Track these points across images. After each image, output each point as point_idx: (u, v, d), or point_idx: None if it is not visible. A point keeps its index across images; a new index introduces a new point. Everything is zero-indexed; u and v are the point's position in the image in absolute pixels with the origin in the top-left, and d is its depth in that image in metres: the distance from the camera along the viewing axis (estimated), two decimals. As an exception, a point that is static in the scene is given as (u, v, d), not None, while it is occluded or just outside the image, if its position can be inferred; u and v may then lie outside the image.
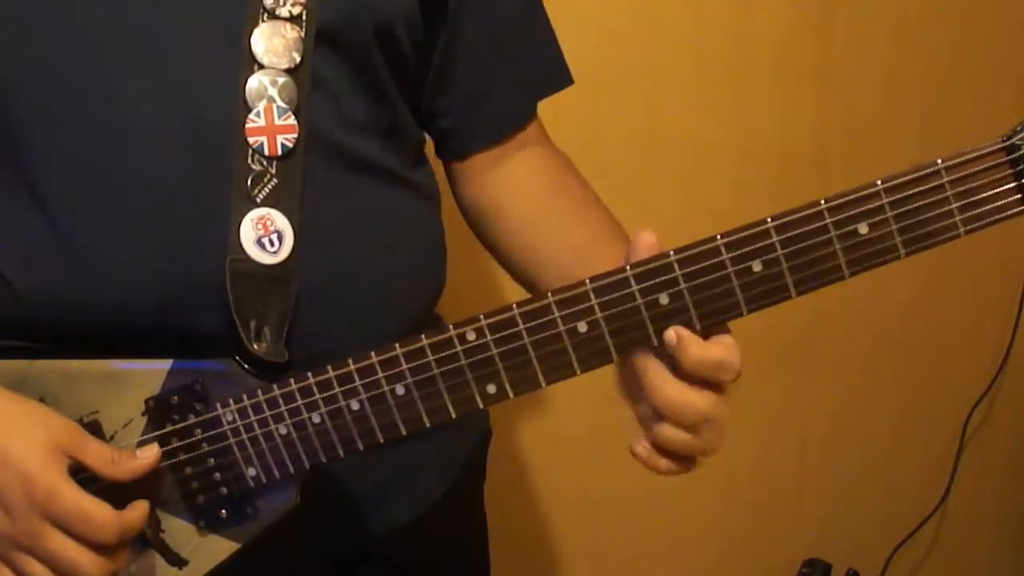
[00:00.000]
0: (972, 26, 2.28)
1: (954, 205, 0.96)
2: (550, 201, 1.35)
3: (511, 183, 1.36)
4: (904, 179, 0.96)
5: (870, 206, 0.97)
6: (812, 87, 2.20)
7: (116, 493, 1.12)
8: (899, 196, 0.97)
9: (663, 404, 1.04)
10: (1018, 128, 0.95)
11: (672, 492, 2.32)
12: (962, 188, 0.96)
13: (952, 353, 2.45)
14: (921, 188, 0.96)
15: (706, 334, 1.04)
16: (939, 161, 0.96)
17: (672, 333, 1.02)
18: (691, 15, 2.08)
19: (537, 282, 1.31)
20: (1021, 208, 0.96)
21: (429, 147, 1.40)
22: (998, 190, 0.95)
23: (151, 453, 1.13)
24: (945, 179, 0.96)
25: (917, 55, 2.26)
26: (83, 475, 1.11)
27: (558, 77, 1.43)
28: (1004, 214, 0.96)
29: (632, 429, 2.20)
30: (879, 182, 0.97)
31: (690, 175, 2.14)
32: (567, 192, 1.35)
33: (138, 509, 1.12)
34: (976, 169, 0.95)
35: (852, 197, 0.97)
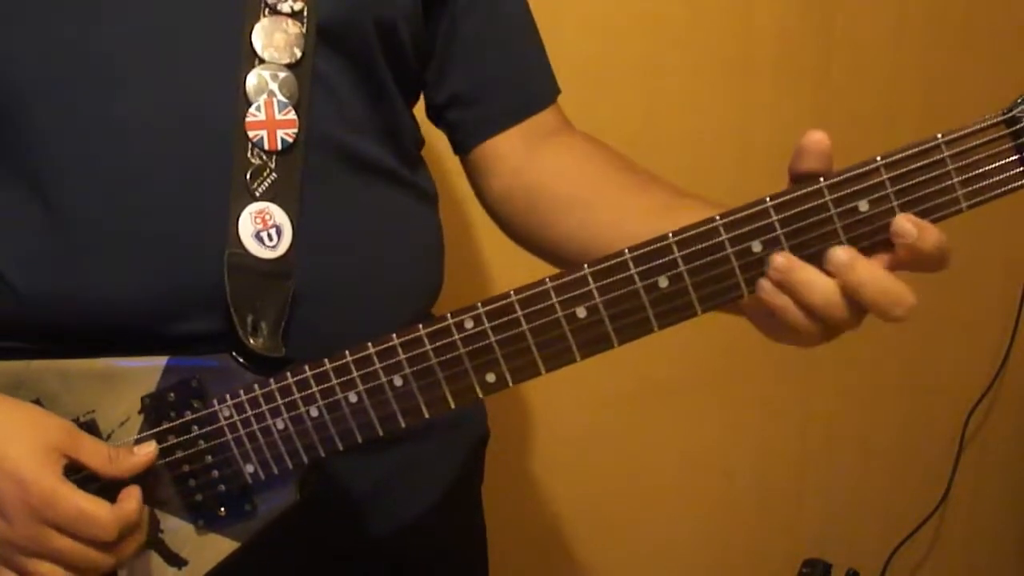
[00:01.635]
0: (972, 26, 2.28)
1: (955, 180, 0.95)
2: (617, 174, 1.31)
3: (557, 167, 1.33)
4: (904, 154, 0.95)
5: (870, 182, 0.96)
6: (812, 86, 2.20)
7: (114, 489, 1.12)
8: (899, 172, 0.96)
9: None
10: (1018, 101, 0.94)
11: (671, 492, 2.32)
12: (963, 162, 0.95)
13: (952, 353, 2.45)
14: (921, 163, 0.95)
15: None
16: (939, 135, 0.95)
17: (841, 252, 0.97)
18: (691, 15, 2.08)
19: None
20: (1023, 182, 0.95)
21: (428, 151, 1.40)
22: (999, 163, 0.94)
23: (149, 449, 1.14)
24: (945, 153, 0.95)
25: (917, 55, 2.26)
26: (81, 474, 1.11)
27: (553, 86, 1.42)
28: (1005, 187, 0.95)
29: (629, 430, 2.20)
30: (879, 158, 0.96)
31: (690, 175, 2.13)
32: (630, 167, 1.32)
33: (130, 499, 1.12)
34: (976, 143, 0.95)
35: (852, 174, 0.96)
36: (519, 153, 1.35)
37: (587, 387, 2.07)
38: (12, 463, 1.08)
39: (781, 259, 0.98)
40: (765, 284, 0.99)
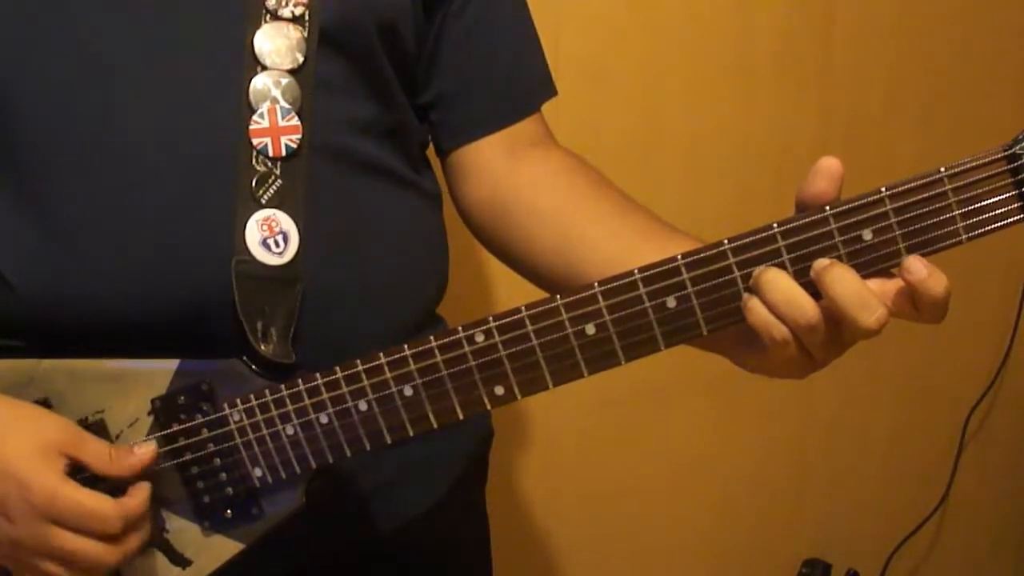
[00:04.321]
0: (972, 26, 2.28)
1: (956, 212, 0.97)
2: (598, 193, 1.31)
3: (538, 180, 1.33)
4: (908, 186, 0.97)
5: (874, 212, 0.98)
6: (812, 87, 2.20)
7: (122, 489, 1.13)
8: (903, 203, 0.98)
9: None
10: (1019, 137, 0.96)
11: (672, 492, 2.32)
12: (964, 196, 0.97)
13: (952, 353, 2.45)
14: (924, 195, 0.97)
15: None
16: (942, 169, 0.97)
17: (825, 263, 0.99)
18: (691, 15, 2.07)
19: (581, 274, 1.23)
20: (1021, 216, 0.97)
21: (430, 150, 1.40)
22: (999, 198, 0.97)
23: (147, 448, 1.14)
24: (948, 187, 0.97)
25: (917, 55, 2.26)
26: (85, 475, 1.11)
27: (549, 85, 1.42)
28: (1005, 221, 0.97)
29: (630, 431, 2.21)
30: (883, 189, 0.98)
31: (690, 175, 2.14)
32: (610, 187, 1.33)
33: (137, 495, 1.12)
34: (978, 177, 0.96)
35: (857, 204, 0.99)
36: (499, 161, 1.35)
37: (587, 389, 2.06)
38: (13, 464, 1.08)
39: (759, 268, 1.00)
40: (743, 295, 1.02)
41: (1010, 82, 2.32)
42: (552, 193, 1.32)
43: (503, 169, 1.35)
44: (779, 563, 2.42)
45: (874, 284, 0.99)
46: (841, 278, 0.98)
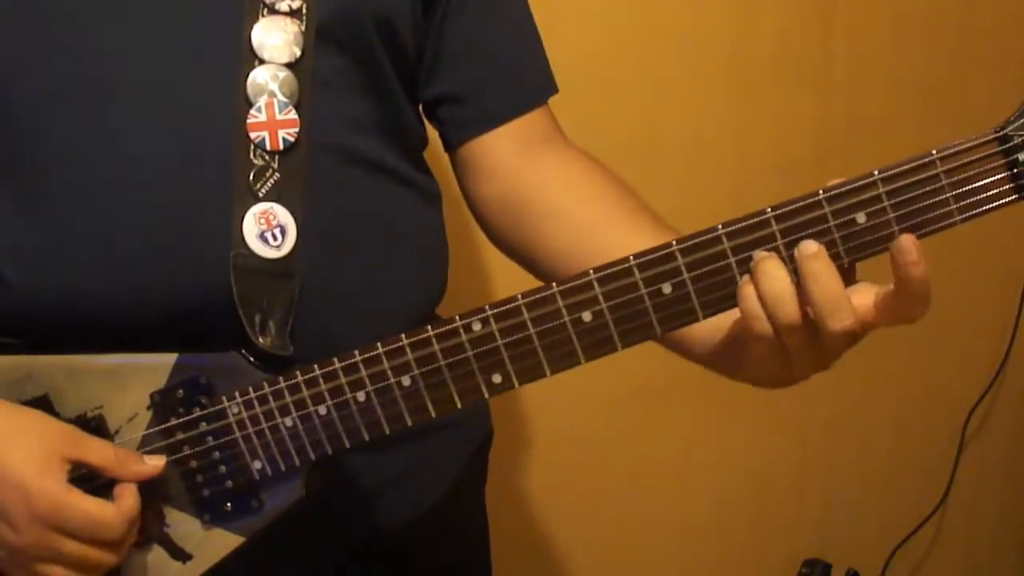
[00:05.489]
0: (972, 25, 2.28)
1: (949, 194, 0.98)
2: (614, 192, 1.31)
3: (555, 178, 1.32)
4: (900, 169, 0.98)
5: (867, 195, 0.99)
6: (812, 87, 2.20)
7: (107, 486, 1.13)
8: (896, 185, 0.98)
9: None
10: (1011, 119, 0.97)
11: (672, 492, 2.32)
12: (956, 177, 0.97)
13: (952, 353, 2.45)
14: (917, 178, 0.98)
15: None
16: (934, 151, 0.98)
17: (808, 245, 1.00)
18: (691, 15, 2.08)
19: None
20: (1013, 197, 0.98)
21: (430, 151, 1.40)
22: (991, 179, 0.97)
23: (160, 462, 1.14)
24: (940, 168, 0.97)
25: (917, 55, 2.26)
26: (80, 472, 1.11)
27: (552, 80, 1.41)
28: (997, 202, 0.98)
29: (630, 431, 2.20)
30: (876, 172, 0.98)
31: (690, 175, 2.14)
32: (625, 187, 1.32)
33: (129, 495, 1.12)
34: (970, 159, 0.97)
35: (850, 187, 0.99)
36: (512, 158, 1.34)
37: (588, 388, 2.07)
38: (15, 472, 1.08)
39: (760, 251, 1.01)
40: (743, 279, 1.02)
41: (1010, 81, 2.31)
42: (572, 192, 1.31)
43: (516, 166, 1.34)
44: (779, 563, 2.41)
45: (859, 295, 1.01)
46: (819, 275, 0.99)
